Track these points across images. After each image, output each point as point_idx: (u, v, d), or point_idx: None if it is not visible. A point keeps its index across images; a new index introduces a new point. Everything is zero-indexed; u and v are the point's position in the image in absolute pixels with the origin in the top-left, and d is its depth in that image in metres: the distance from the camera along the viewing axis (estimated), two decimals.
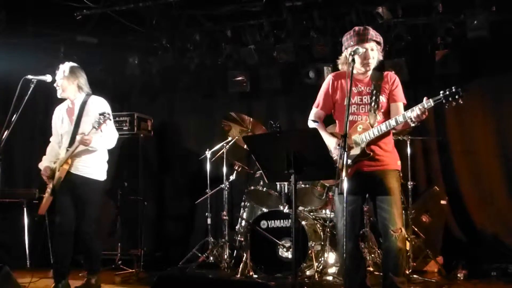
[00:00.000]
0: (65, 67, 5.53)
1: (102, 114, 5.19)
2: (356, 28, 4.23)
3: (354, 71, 4.16)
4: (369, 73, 4.28)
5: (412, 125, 4.00)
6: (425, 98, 3.87)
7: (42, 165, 5.56)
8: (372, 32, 4.18)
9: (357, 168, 4.16)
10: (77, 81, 5.52)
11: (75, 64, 5.62)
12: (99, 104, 5.50)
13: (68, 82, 5.49)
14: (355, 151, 4.16)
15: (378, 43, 4.21)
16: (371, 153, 4.14)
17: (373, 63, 4.23)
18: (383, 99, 4.22)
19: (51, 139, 5.74)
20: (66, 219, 5.36)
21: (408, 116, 3.93)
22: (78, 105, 5.52)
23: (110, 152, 5.69)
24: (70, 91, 5.53)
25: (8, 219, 5.96)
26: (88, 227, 5.38)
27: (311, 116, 4.47)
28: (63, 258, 5.42)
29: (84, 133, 5.22)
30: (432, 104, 3.85)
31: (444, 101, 3.82)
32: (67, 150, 5.33)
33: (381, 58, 4.29)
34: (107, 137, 5.44)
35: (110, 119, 5.28)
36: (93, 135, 5.24)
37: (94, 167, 5.44)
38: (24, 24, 7.54)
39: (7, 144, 5.12)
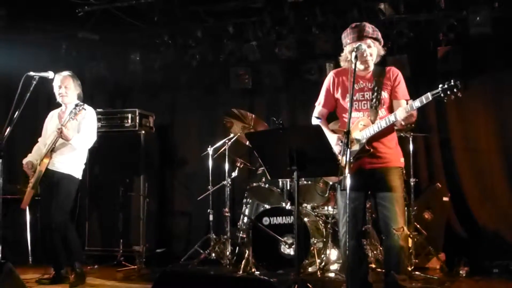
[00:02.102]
0: (64, 76, 5.81)
1: (76, 105, 5.55)
2: (353, 24, 4.21)
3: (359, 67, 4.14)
4: (371, 69, 4.26)
5: (413, 119, 3.99)
6: (410, 100, 3.88)
7: (26, 160, 5.87)
8: (368, 29, 4.14)
9: (359, 165, 4.14)
10: (79, 89, 5.92)
11: (71, 72, 5.92)
12: (87, 113, 5.78)
13: (74, 89, 5.87)
14: (356, 147, 4.14)
15: (375, 39, 4.17)
16: (371, 150, 4.11)
17: (371, 60, 4.19)
18: (385, 95, 4.20)
19: (39, 139, 6.06)
20: (47, 214, 5.67)
21: (408, 110, 3.91)
22: (69, 110, 5.77)
23: (113, 148, 5.81)
24: (70, 98, 5.86)
25: (10, 215, 5.98)
26: (61, 216, 5.66)
27: (315, 113, 4.46)
28: (54, 249, 5.74)
29: (61, 124, 5.50)
30: (430, 98, 3.82)
31: (442, 94, 3.79)
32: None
33: (382, 53, 4.24)
34: (86, 136, 5.75)
35: (85, 109, 5.59)
36: (74, 134, 5.59)
37: (70, 164, 5.76)
38: (26, 21, 7.54)
39: (9, 141, 5.13)
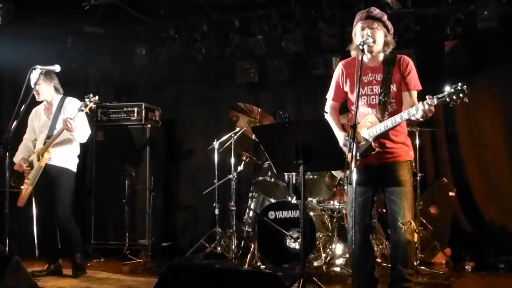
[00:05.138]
0: (38, 73, 5.69)
1: (88, 97, 5.59)
2: (366, 9, 4.16)
3: (364, 58, 4.09)
4: (381, 57, 4.19)
5: (421, 119, 3.93)
6: (428, 96, 3.76)
7: (17, 158, 5.95)
8: (376, 12, 4.08)
9: (367, 161, 4.10)
10: (53, 83, 5.93)
11: (41, 68, 5.77)
12: (75, 104, 5.87)
13: (46, 85, 5.89)
14: (364, 145, 4.10)
15: (382, 23, 4.08)
16: (377, 149, 4.06)
17: (374, 44, 4.04)
18: (394, 88, 4.12)
19: (24, 137, 6.11)
20: (46, 210, 5.88)
21: (412, 113, 3.84)
22: (55, 104, 5.92)
23: (119, 141, 5.84)
24: (48, 94, 5.94)
25: (17, 209, 6.00)
26: (65, 212, 5.81)
27: (326, 107, 4.43)
28: (51, 243, 5.93)
29: (69, 117, 5.54)
30: (436, 102, 3.72)
31: (448, 99, 3.68)
32: (46, 141, 5.74)
33: (389, 40, 4.14)
34: (83, 130, 5.82)
35: (96, 103, 5.63)
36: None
37: (67, 158, 5.88)
38: (32, 15, 7.53)
39: (16, 134, 5.14)
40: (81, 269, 5.92)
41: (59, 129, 5.66)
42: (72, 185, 5.94)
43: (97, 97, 5.61)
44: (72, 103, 5.91)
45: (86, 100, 5.57)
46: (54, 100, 5.95)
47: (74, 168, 5.94)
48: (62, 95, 5.99)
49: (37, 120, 6.03)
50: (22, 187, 5.84)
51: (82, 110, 5.58)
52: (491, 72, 6.93)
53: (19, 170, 5.87)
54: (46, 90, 5.91)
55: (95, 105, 5.66)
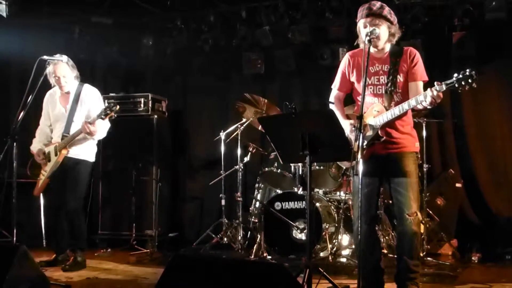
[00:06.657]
0: (65, 61, 5.65)
1: (109, 107, 5.44)
2: (366, 4, 4.13)
3: (371, 50, 4.07)
4: (387, 48, 4.18)
5: (429, 107, 3.93)
6: (436, 83, 3.76)
7: (34, 148, 5.88)
8: (375, 8, 4.03)
9: (373, 151, 4.11)
10: (76, 72, 5.82)
11: (64, 58, 5.70)
12: (93, 95, 5.84)
13: (72, 76, 5.78)
14: (370, 133, 4.11)
15: (383, 17, 4.05)
16: (384, 137, 4.07)
17: (378, 41, 4.05)
18: (400, 78, 4.12)
19: (40, 121, 6.02)
20: (59, 199, 5.79)
21: (420, 100, 3.85)
22: (72, 93, 5.79)
23: (126, 132, 5.83)
24: (70, 85, 5.80)
25: (24, 199, 6.03)
26: (77, 204, 5.77)
27: (331, 97, 4.43)
28: (61, 234, 5.88)
29: (88, 122, 5.48)
30: (444, 88, 3.73)
31: (456, 85, 3.69)
32: (64, 136, 5.66)
33: (393, 32, 4.12)
34: (103, 129, 5.78)
35: (115, 114, 5.49)
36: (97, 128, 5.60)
37: (85, 149, 5.80)
38: (40, 5, 7.55)
39: (23, 124, 5.16)
40: (77, 266, 5.73)
41: (78, 130, 5.58)
42: (87, 178, 5.89)
43: (118, 107, 5.46)
44: (90, 94, 5.81)
45: (107, 109, 5.41)
46: (71, 89, 5.81)
47: (92, 158, 5.88)
48: (79, 83, 5.86)
49: (52, 106, 5.90)
50: (38, 178, 5.82)
51: (102, 118, 5.47)
52: (499, 63, 6.89)
53: (36, 161, 5.82)
54: (71, 81, 5.79)
55: (115, 115, 5.51)
